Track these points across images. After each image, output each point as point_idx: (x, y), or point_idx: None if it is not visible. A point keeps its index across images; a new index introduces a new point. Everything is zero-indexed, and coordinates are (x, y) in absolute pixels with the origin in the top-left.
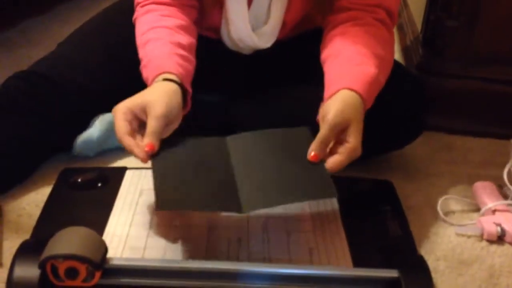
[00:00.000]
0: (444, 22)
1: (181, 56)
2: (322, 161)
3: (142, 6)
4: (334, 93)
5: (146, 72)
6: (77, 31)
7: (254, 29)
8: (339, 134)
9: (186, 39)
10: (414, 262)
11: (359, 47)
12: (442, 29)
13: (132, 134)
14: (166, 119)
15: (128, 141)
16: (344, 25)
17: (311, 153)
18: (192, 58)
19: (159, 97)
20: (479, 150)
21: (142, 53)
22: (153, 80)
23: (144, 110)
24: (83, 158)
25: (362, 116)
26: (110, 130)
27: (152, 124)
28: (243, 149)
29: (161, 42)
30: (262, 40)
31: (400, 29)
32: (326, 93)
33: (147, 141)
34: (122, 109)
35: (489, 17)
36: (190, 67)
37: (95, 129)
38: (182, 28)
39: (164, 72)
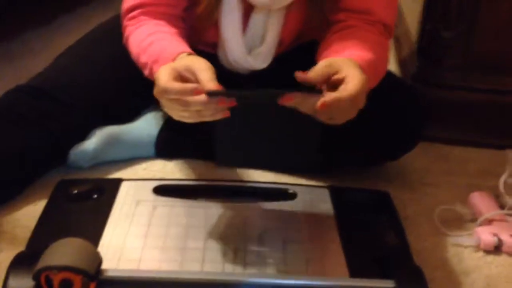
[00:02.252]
0: (441, 33)
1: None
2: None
3: (132, 25)
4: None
5: (160, 65)
6: (76, 44)
7: (250, 49)
8: (330, 75)
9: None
10: (411, 272)
11: (355, 42)
12: (439, 39)
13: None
14: (213, 74)
15: (177, 85)
16: (341, 32)
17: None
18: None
19: (198, 58)
20: (476, 160)
21: (146, 56)
22: (173, 60)
23: (189, 68)
24: (79, 170)
25: (364, 81)
26: (107, 143)
27: (204, 74)
28: None
29: (167, 39)
30: (258, 61)
31: (396, 40)
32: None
33: (211, 86)
34: (167, 69)
35: (485, 27)
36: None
37: (92, 141)
38: (179, 35)
39: (182, 52)
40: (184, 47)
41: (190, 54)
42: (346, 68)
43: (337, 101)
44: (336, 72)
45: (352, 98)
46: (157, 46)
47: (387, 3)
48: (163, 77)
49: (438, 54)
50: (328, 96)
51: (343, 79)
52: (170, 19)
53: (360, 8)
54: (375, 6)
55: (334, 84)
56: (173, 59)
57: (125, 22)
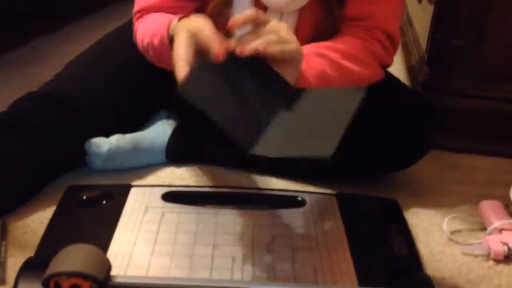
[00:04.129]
0: (450, 41)
1: None
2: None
3: (138, 19)
4: None
5: (159, 40)
6: (86, 52)
7: None
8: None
9: None
10: (420, 281)
11: (328, 43)
12: (448, 47)
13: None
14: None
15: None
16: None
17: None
18: None
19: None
20: (485, 169)
21: (150, 41)
22: (169, 25)
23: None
24: (88, 176)
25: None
26: (123, 148)
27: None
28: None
29: (160, 15)
30: None
31: (406, 48)
32: None
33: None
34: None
35: (495, 35)
36: None
37: (109, 140)
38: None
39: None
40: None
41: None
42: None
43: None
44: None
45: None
46: (154, 21)
47: (391, 12)
48: (203, 18)
49: (448, 63)
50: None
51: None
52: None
53: (363, 14)
54: (377, 13)
55: None
56: (167, 26)
57: (134, 24)
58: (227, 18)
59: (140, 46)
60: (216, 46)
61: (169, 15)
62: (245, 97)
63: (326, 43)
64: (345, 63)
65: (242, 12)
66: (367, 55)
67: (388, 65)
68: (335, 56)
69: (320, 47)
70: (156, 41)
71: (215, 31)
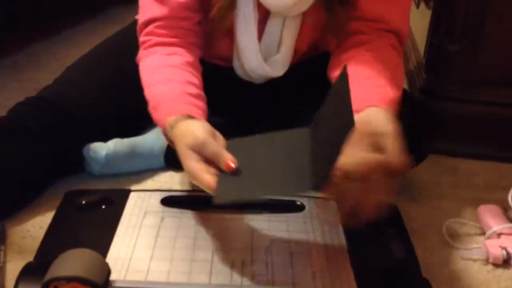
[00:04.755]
0: (447, 46)
1: (193, 95)
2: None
3: (145, 48)
4: (363, 109)
5: (157, 115)
6: (84, 57)
7: (265, 58)
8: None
9: (195, 75)
10: (419, 286)
11: (373, 71)
12: (445, 53)
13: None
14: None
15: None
16: (356, 49)
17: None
18: (203, 93)
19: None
20: (483, 174)
21: (148, 93)
22: (165, 121)
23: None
24: (87, 181)
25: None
26: (121, 152)
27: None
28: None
29: (171, 85)
30: (275, 70)
31: (403, 53)
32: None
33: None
34: (203, 123)
35: (492, 40)
36: (203, 104)
37: (106, 145)
38: (189, 64)
39: (180, 114)
40: (183, 106)
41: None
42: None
43: (362, 158)
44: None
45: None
46: (158, 93)
47: (403, 13)
48: (200, 129)
49: (445, 68)
50: (350, 155)
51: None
52: (185, 34)
53: (375, 17)
54: (391, 15)
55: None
56: (166, 120)
57: (141, 38)
58: (231, 22)
59: (142, 81)
60: (224, 159)
61: (170, 87)
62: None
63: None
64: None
65: (247, 18)
66: (397, 74)
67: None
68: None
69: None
70: (155, 117)
71: (215, 140)
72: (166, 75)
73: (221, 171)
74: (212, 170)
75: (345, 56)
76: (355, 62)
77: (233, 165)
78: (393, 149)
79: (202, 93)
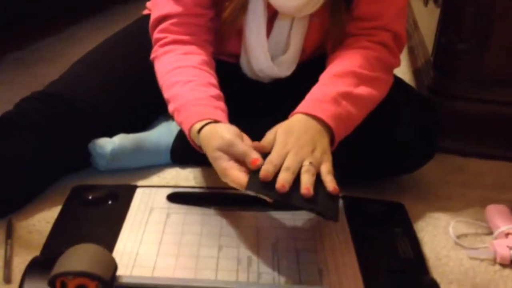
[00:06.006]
0: (455, 45)
1: (215, 97)
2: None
3: (161, 46)
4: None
5: (181, 117)
6: (91, 52)
7: (273, 58)
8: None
9: (213, 74)
10: (426, 285)
11: (337, 68)
12: (453, 51)
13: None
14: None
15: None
16: (339, 50)
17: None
18: (221, 93)
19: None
20: (491, 173)
21: (168, 93)
22: (193, 124)
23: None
24: (94, 176)
25: (306, 131)
26: (126, 148)
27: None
28: None
29: (193, 87)
30: (282, 69)
31: (411, 51)
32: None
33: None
34: (231, 127)
35: (500, 40)
36: (224, 104)
37: (112, 141)
38: (205, 63)
39: (206, 119)
40: (209, 110)
41: (213, 121)
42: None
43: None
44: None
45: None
46: (181, 94)
47: (397, 11)
48: (226, 131)
49: (453, 67)
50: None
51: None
52: (199, 31)
53: (369, 15)
54: (385, 12)
55: None
56: (194, 124)
57: (155, 35)
58: (242, 24)
59: (158, 81)
60: (251, 156)
61: (191, 88)
62: None
63: (336, 79)
64: (359, 91)
65: (256, 18)
66: (376, 67)
67: (396, 67)
68: (347, 90)
69: (331, 92)
70: (178, 119)
71: (242, 139)
72: (187, 76)
73: (252, 171)
74: (243, 168)
75: (328, 61)
76: (330, 64)
77: (259, 161)
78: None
79: (221, 93)
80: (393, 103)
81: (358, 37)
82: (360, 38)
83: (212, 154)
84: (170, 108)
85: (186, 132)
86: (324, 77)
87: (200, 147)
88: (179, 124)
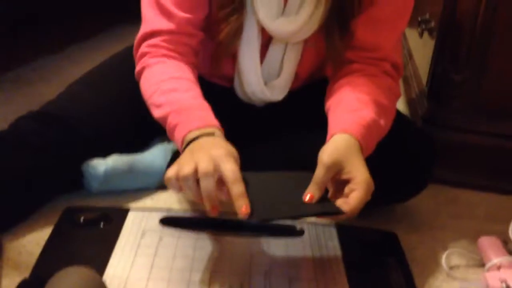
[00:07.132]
0: (451, 75)
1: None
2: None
3: (152, 57)
4: (330, 138)
5: (180, 118)
6: (88, 73)
7: (266, 82)
8: (335, 175)
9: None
10: None
11: (359, 94)
12: (448, 82)
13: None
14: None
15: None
16: (349, 76)
17: (307, 195)
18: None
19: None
20: (484, 205)
21: (163, 98)
22: (199, 127)
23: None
24: (86, 198)
25: (360, 155)
26: (119, 169)
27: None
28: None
29: (192, 93)
30: (275, 94)
31: (405, 81)
32: (327, 140)
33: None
34: (234, 159)
35: (496, 71)
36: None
37: (105, 162)
38: (198, 83)
39: (207, 126)
40: (209, 117)
41: (209, 133)
42: (349, 167)
43: (361, 198)
44: (339, 171)
45: (365, 181)
46: (179, 99)
47: (395, 42)
48: (233, 164)
49: (448, 97)
50: (353, 200)
51: (349, 179)
52: (188, 53)
53: (368, 45)
54: (383, 44)
55: (341, 181)
56: (196, 128)
57: (143, 48)
58: (236, 48)
59: (144, 91)
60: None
61: (191, 97)
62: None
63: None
64: (381, 120)
65: (250, 42)
66: (389, 97)
67: (399, 97)
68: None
69: (360, 119)
70: (174, 121)
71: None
72: (185, 86)
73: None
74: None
75: (337, 85)
76: (344, 88)
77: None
78: (361, 175)
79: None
80: (389, 133)
81: (363, 65)
82: (367, 66)
83: (221, 156)
84: (162, 112)
85: (183, 132)
86: (349, 102)
87: (188, 143)
88: (174, 126)
